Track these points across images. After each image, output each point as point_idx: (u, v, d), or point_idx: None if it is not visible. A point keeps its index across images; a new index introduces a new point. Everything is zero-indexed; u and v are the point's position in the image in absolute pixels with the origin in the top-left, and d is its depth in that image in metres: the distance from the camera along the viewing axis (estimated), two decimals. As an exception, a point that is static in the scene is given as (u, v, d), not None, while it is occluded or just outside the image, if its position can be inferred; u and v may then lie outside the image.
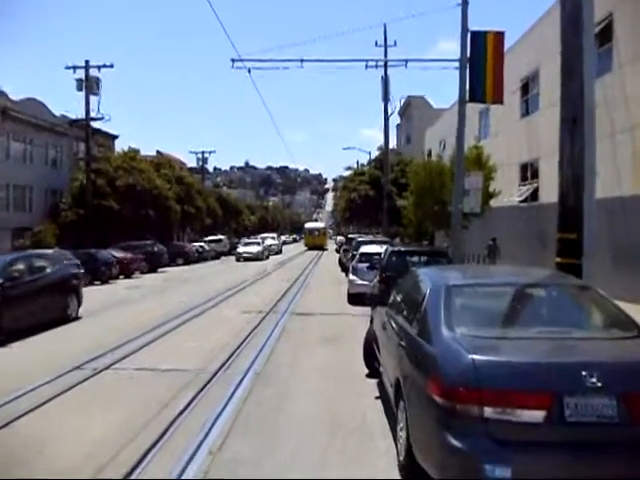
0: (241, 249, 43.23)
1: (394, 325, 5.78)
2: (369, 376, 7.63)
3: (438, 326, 4.32)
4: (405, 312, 5.57)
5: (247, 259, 40.51)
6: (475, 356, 3.75)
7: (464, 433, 3.62)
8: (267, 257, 44.47)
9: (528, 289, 5.05)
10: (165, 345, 10.38)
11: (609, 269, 12.81)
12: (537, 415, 3.56)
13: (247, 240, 49.11)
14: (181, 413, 6.28)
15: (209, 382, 7.59)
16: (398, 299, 6.35)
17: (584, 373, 3.57)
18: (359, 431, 5.78)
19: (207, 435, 5.63)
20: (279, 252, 54.85)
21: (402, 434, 4.72)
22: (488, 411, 3.57)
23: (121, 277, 25.94)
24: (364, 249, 17.99)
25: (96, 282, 23.20)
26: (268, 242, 51.07)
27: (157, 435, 5.59)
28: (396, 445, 5.03)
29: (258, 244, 45.09)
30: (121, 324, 12.62)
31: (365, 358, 7.72)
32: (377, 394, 6.93)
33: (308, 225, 76.72)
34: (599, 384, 3.54)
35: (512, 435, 3.59)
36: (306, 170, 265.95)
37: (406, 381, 4.62)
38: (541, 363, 3.79)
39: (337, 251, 44.80)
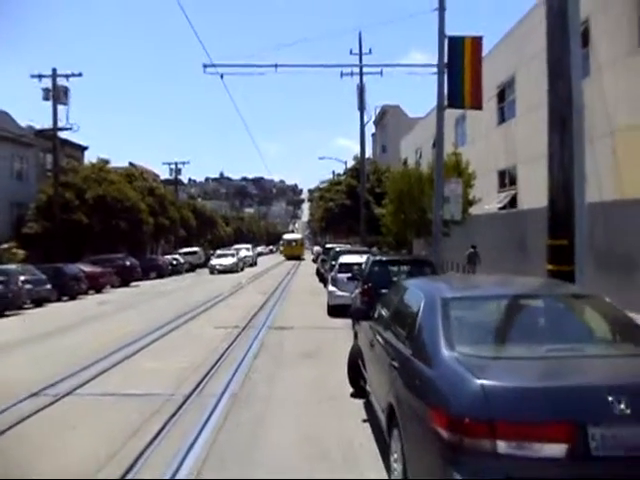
0: (214, 261, 41.55)
1: (382, 342, 5.28)
2: (354, 395, 7.12)
3: (437, 345, 3.83)
4: (395, 328, 5.07)
5: (221, 272, 39.05)
6: (484, 381, 3.24)
7: (474, 470, 3.13)
8: (242, 269, 42.98)
9: (533, 301, 4.58)
10: (132, 366, 9.69)
11: (593, 276, 12.53)
12: (558, 449, 3.07)
13: (220, 252, 45.72)
14: (150, 443, 5.69)
15: (181, 407, 6.99)
16: (384, 313, 5.86)
17: (610, 398, 3.08)
18: (346, 461, 5.24)
19: (179, 469, 5.07)
20: (254, 264, 51.68)
21: (397, 466, 4.20)
22: (501, 445, 3.07)
23: (91, 292, 25.06)
24: (343, 259, 17.41)
25: (64, 298, 22.34)
26: (242, 253, 48.29)
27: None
28: (389, 478, 4.51)
29: (232, 256, 42.95)
30: (83, 344, 11.86)
31: (350, 376, 7.19)
32: (364, 416, 6.41)
33: (286, 237, 78.91)
34: (628, 411, 3.07)
35: (529, 472, 3.10)
36: (282, 181, 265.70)
37: (401, 407, 4.10)
38: (560, 387, 3.29)
39: (314, 261, 44.19)
